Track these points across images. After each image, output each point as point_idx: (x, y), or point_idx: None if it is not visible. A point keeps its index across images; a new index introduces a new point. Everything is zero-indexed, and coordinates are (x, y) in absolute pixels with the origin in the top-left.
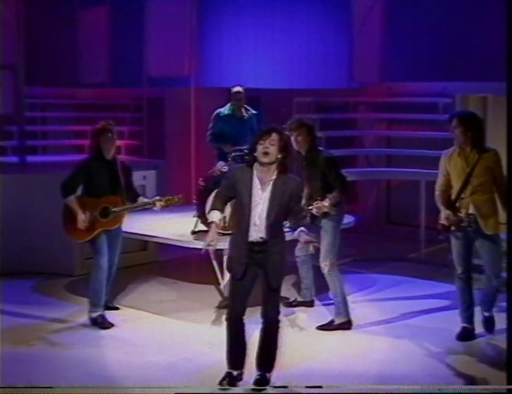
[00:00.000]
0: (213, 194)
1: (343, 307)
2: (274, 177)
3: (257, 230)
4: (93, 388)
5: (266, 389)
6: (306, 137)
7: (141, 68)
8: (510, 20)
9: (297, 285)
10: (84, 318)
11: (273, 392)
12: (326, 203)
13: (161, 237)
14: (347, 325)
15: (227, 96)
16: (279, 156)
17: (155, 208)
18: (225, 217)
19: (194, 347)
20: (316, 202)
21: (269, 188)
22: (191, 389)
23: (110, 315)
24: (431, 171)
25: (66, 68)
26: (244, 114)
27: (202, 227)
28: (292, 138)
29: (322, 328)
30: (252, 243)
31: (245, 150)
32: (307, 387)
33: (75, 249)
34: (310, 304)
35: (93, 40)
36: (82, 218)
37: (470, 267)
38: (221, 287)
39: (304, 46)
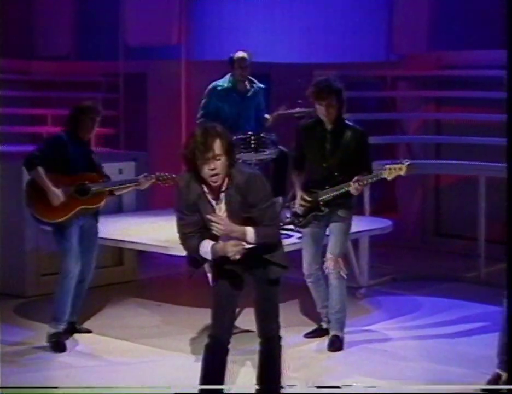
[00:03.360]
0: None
1: (343, 319)
2: (224, 188)
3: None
4: (94, 388)
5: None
6: (336, 105)
7: (116, 35)
8: (510, 20)
9: (309, 312)
10: (40, 345)
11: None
12: (365, 181)
13: (140, 243)
14: (339, 342)
15: (226, 69)
16: (227, 163)
17: (139, 187)
18: None
19: (182, 383)
20: (356, 179)
21: (222, 203)
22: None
23: (74, 341)
24: (493, 164)
25: (19, 35)
26: (248, 87)
27: None
28: (320, 107)
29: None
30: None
31: (250, 134)
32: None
33: (28, 264)
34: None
35: (54, 1)
36: (56, 193)
37: None
38: None
39: (328, 12)
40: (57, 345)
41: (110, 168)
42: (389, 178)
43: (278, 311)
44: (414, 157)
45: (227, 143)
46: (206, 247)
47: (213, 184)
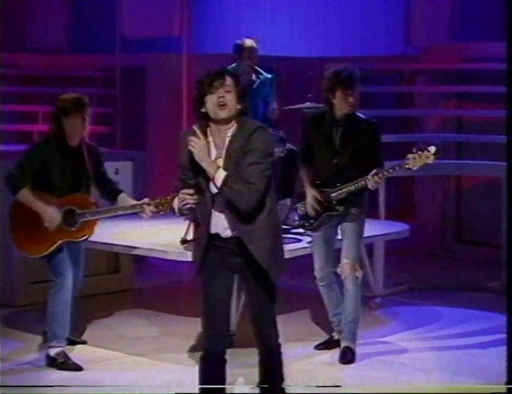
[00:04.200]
0: None
1: (356, 329)
2: (230, 134)
3: (221, 220)
4: (95, 387)
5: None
6: (357, 95)
7: (113, 26)
8: (510, 19)
9: (319, 322)
10: (30, 357)
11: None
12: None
13: (137, 248)
14: (351, 354)
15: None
16: (239, 107)
17: (142, 215)
18: None
19: None
20: (374, 172)
21: (224, 151)
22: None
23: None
24: None
25: (7, 26)
26: (254, 78)
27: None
28: (343, 97)
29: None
30: (219, 238)
31: None
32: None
33: (17, 272)
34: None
35: None
36: (50, 214)
37: None
38: None
39: (340, 2)
40: (66, 363)
41: (106, 169)
42: (414, 168)
43: (275, 318)
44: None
45: (238, 83)
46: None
47: (220, 111)
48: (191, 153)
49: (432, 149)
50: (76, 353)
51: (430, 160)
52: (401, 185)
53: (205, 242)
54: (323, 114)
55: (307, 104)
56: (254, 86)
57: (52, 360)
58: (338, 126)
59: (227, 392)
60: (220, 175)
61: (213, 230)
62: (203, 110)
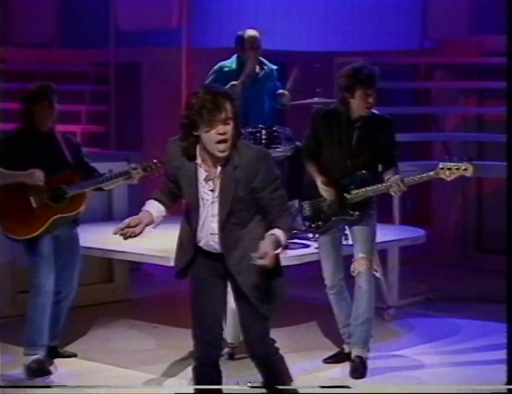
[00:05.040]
0: None
1: (369, 333)
2: (223, 163)
3: (210, 240)
4: (95, 387)
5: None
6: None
7: (107, 18)
8: (510, 19)
9: (329, 334)
10: (17, 371)
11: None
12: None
13: (133, 254)
14: (363, 367)
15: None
16: (235, 132)
17: (132, 181)
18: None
19: None
20: (399, 178)
21: (219, 179)
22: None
23: (55, 367)
24: None
25: None
26: (258, 71)
27: None
28: (363, 97)
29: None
30: (205, 251)
31: (261, 128)
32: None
33: (2, 280)
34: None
35: None
36: (32, 172)
37: None
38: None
39: None
40: (39, 370)
41: (99, 169)
42: (448, 179)
43: (268, 327)
44: (453, 158)
45: (236, 108)
46: (148, 205)
47: (219, 153)
48: (177, 166)
49: (468, 162)
50: (68, 366)
51: (469, 172)
52: (417, 188)
53: (190, 256)
54: (335, 112)
55: (316, 99)
56: (259, 76)
57: (27, 370)
58: (355, 128)
59: (228, 392)
60: (280, 236)
61: (201, 244)
62: (195, 133)
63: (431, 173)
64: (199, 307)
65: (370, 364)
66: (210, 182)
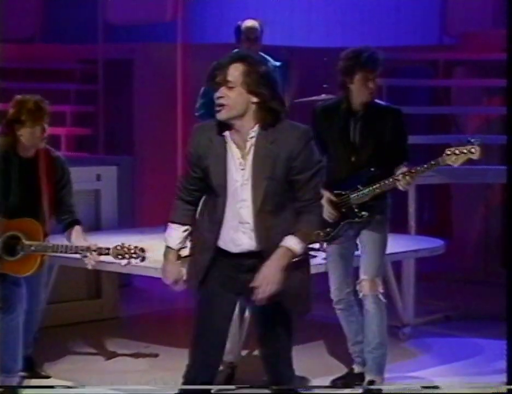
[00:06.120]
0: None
1: (383, 359)
2: (253, 134)
3: (232, 232)
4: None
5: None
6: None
7: (95, 11)
8: (510, 19)
9: (338, 353)
10: None
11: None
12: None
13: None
14: (378, 391)
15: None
16: (254, 100)
17: (86, 262)
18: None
19: None
20: (406, 170)
21: (250, 155)
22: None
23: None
24: None
25: None
26: None
27: None
28: (363, 83)
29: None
30: (226, 253)
31: None
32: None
33: None
34: None
35: None
36: None
37: None
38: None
39: None
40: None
41: (84, 175)
42: (456, 164)
43: (291, 353)
44: (474, 161)
45: (252, 70)
46: (169, 240)
47: (218, 113)
48: (203, 151)
49: (476, 142)
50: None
51: (476, 154)
52: (434, 196)
53: (209, 257)
54: (336, 105)
55: (323, 96)
56: None
57: None
58: (357, 118)
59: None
60: (295, 245)
61: (222, 243)
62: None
63: (439, 160)
64: (205, 325)
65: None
66: (240, 159)
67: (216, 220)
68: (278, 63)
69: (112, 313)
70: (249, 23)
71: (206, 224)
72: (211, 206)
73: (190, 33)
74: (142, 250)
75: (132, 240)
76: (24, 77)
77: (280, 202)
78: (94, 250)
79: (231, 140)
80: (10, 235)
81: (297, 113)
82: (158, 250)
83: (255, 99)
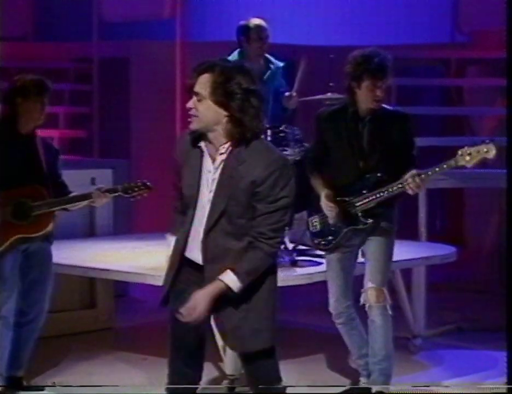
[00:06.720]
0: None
1: (389, 370)
2: (223, 151)
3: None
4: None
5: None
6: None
7: (89, 8)
8: (510, 19)
9: (341, 366)
10: None
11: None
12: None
13: (118, 272)
14: None
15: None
16: (225, 114)
17: (96, 204)
18: None
19: None
20: (415, 172)
21: (218, 172)
22: None
23: None
24: None
25: None
26: (264, 69)
27: None
28: (371, 88)
29: None
30: (194, 263)
31: (266, 128)
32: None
33: None
34: None
35: None
36: None
37: None
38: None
39: None
40: None
41: (79, 177)
42: (469, 165)
43: (275, 363)
44: (487, 164)
45: (223, 83)
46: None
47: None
48: (182, 160)
49: (490, 142)
50: None
51: (491, 153)
52: (446, 203)
53: (176, 266)
54: (342, 109)
55: (329, 94)
56: (264, 77)
57: None
58: (364, 123)
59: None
60: (233, 283)
61: (188, 253)
62: None
63: (451, 161)
64: (180, 329)
65: None
66: (212, 174)
67: (185, 233)
68: (281, 63)
69: (107, 323)
70: (258, 21)
71: (177, 239)
72: (185, 216)
73: (188, 30)
74: (147, 184)
75: (128, 247)
76: (15, 76)
77: (243, 226)
78: (99, 189)
79: (206, 152)
80: (17, 202)
81: (301, 112)
82: (154, 256)
83: (225, 113)
